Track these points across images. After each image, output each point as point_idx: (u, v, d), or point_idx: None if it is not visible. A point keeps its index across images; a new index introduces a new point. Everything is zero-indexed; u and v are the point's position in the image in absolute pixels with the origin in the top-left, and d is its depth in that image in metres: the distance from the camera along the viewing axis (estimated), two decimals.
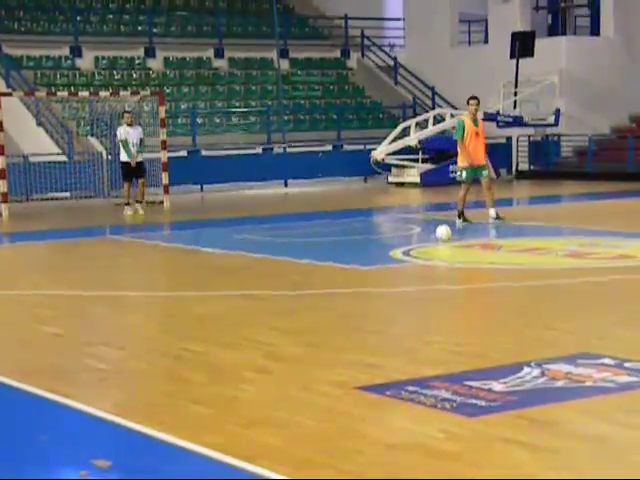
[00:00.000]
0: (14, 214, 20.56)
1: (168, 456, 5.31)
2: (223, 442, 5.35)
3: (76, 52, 29.69)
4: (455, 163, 17.07)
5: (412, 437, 5.39)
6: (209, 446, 5.27)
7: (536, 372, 6.59)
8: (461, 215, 15.98)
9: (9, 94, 22.63)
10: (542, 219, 17.22)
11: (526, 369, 6.66)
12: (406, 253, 12.82)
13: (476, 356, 7.22)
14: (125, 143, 20.49)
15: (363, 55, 33.90)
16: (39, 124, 26.46)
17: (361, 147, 28.20)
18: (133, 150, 20.47)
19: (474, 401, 5.96)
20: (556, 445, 5.22)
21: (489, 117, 27.60)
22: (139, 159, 20.65)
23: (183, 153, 26.57)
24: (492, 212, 16.04)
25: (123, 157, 20.63)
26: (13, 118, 23.78)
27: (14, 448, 5.51)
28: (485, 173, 16.10)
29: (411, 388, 6.28)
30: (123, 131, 20.59)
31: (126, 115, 21.19)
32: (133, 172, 20.58)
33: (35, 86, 27.34)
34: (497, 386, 6.28)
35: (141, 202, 20.52)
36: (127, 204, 20.25)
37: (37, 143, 25.39)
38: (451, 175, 16.38)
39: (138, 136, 20.62)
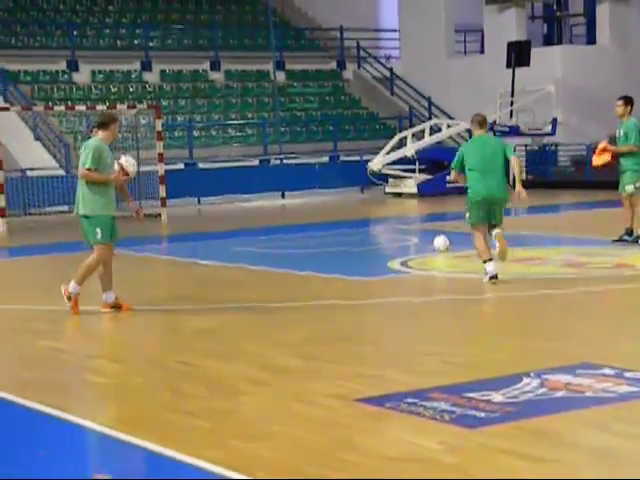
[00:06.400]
0: (12, 229, 20.54)
1: (167, 470, 5.30)
2: (221, 456, 5.34)
3: (73, 66, 29.69)
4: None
5: (411, 449, 5.38)
6: (208, 460, 5.26)
7: (535, 383, 6.57)
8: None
9: (7, 109, 22.66)
10: (540, 228, 17.22)
11: (525, 380, 6.64)
12: (404, 264, 12.81)
13: (475, 367, 7.21)
14: None
15: (359, 66, 33.94)
16: (37, 138, 26.46)
17: (358, 158, 28.21)
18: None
19: (473, 412, 5.95)
20: (556, 456, 5.21)
21: None
22: None
23: (180, 166, 26.57)
24: None
25: None
26: (11, 132, 23.81)
27: (14, 463, 5.49)
28: None
29: (410, 400, 6.26)
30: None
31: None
32: None
33: (32, 100, 27.35)
34: (496, 397, 6.26)
35: None
36: None
37: (35, 157, 25.37)
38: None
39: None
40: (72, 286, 9.95)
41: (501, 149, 11.48)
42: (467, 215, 11.51)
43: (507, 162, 11.46)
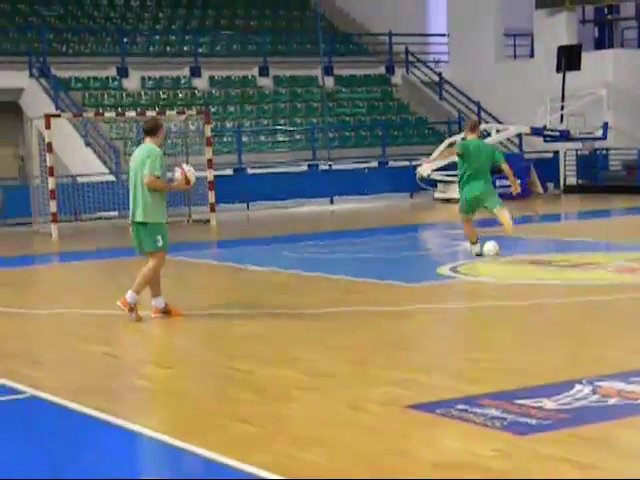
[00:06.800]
0: (63, 234, 20.73)
1: (216, 475, 5.29)
2: (270, 461, 5.33)
3: (123, 73, 29.94)
4: (502, 178, 16.68)
5: (463, 456, 5.33)
6: (257, 465, 5.25)
7: (588, 390, 6.50)
8: None
9: (58, 115, 22.87)
10: (591, 234, 17.05)
11: (577, 387, 6.57)
12: (454, 269, 12.74)
13: (526, 374, 7.14)
14: None
15: (408, 71, 33.86)
16: (87, 145, 26.70)
17: (407, 163, 28.15)
18: None
19: (525, 419, 5.89)
20: (609, 464, 5.14)
21: (536, 132, 27.45)
22: None
23: (229, 172, 26.66)
24: None
25: None
26: (62, 139, 24.00)
27: (64, 466, 5.52)
28: None
29: (461, 406, 6.21)
30: None
31: None
32: None
33: (83, 107, 27.62)
34: (548, 404, 6.19)
35: None
36: None
37: (85, 163, 25.61)
38: None
39: None
40: (130, 296, 9.94)
41: (491, 153, 13.60)
42: (460, 205, 13.76)
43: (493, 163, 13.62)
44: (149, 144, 10.10)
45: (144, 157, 9.96)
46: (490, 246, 13.57)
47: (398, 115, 32.25)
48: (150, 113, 23.83)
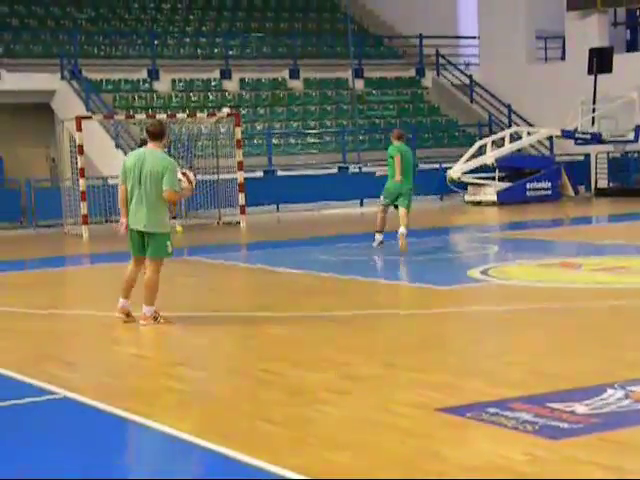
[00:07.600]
0: (94, 235, 20.83)
1: (247, 476, 5.30)
2: (301, 463, 5.33)
3: (154, 75, 30.07)
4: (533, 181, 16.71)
5: (494, 460, 5.31)
6: (287, 467, 5.26)
7: (620, 394, 6.46)
8: None
9: (89, 117, 23.00)
10: (622, 237, 16.94)
11: (609, 391, 6.53)
12: (484, 272, 12.70)
13: (557, 377, 7.11)
14: None
15: (438, 74, 33.80)
16: (118, 146, 26.83)
17: (437, 166, 28.08)
18: None
19: (556, 423, 5.86)
20: None
21: (567, 134, 27.32)
22: None
23: (259, 174, 26.72)
24: None
25: None
26: (93, 141, 24.14)
27: (94, 467, 5.55)
28: None
29: (492, 410, 6.19)
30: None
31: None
32: None
33: (114, 109, 27.75)
34: (580, 408, 6.16)
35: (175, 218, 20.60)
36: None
37: (116, 165, 25.64)
38: None
39: None
40: (147, 311, 9.93)
41: (410, 155, 16.01)
42: (383, 197, 16.04)
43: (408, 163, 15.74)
44: (158, 151, 9.84)
45: (161, 169, 9.69)
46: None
47: (428, 118, 32.19)
48: (180, 115, 23.94)
